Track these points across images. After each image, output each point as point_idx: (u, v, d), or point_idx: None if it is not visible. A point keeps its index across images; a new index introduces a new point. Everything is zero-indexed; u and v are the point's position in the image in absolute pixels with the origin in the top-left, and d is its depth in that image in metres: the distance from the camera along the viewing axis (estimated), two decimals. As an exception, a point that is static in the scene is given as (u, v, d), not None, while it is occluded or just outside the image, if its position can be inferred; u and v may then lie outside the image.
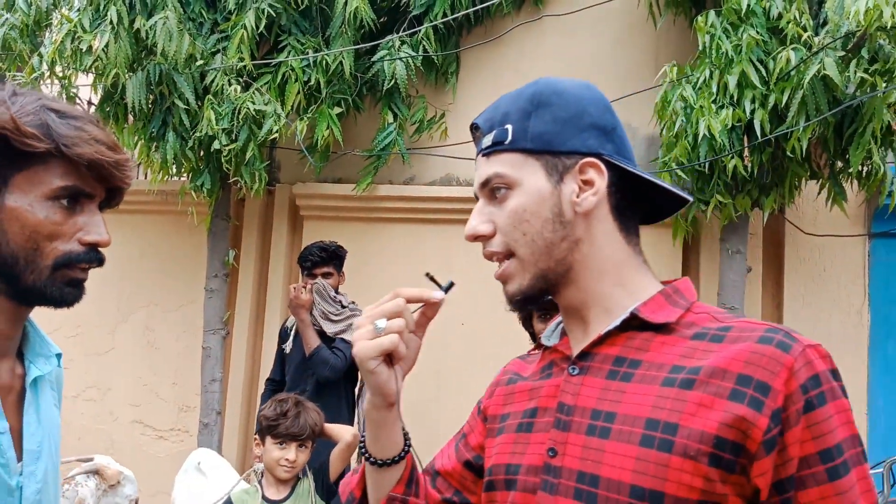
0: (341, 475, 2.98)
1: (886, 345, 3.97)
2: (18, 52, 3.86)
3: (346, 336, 3.42)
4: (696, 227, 3.82)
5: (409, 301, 0.90)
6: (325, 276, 3.51)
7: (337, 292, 3.56)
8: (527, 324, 2.19)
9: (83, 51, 3.52)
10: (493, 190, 0.90)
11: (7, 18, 3.82)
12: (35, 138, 0.90)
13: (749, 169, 3.32)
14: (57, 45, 3.54)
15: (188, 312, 4.45)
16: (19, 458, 0.97)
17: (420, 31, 3.93)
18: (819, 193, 3.63)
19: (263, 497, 2.49)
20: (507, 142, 0.89)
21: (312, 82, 3.78)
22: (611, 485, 0.78)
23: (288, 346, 3.59)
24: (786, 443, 0.75)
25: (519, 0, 4.18)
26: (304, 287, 3.42)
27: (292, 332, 3.59)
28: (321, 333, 3.43)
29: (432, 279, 0.94)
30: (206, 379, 4.16)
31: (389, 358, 0.90)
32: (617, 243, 0.90)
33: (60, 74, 3.79)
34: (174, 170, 4.02)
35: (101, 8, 3.54)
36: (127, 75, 3.55)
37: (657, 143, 3.94)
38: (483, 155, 0.92)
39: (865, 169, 3.35)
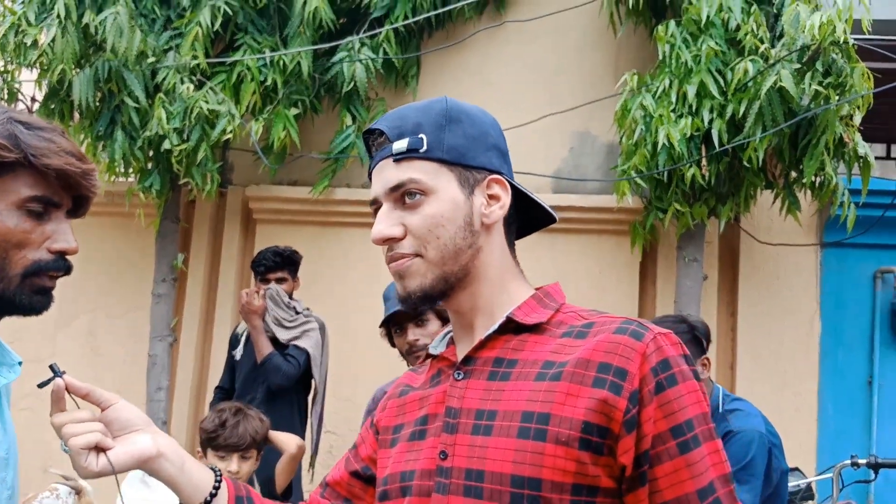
0: (289, 488, 2.89)
1: (836, 353, 4.05)
2: (-45, 44, 3.67)
3: (299, 343, 3.34)
4: (654, 235, 3.85)
5: (60, 410, 0.93)
6: (280, 281, 3.43)
7: (291, 298, 3.47)
8: (390, 337, 2.27)
9: (27, 45, 3.37)
10: (406, 195, 0.93)
11: (-57, 7, 3.63)
12: (4, 148, 0.91)
13: (707, 178, 3.36)
14: (-1, 37, 3.38)
15: (134, 318, 4.28)
16: None
17: (381, 33, 3.88)
18: (773, 203, 3.69)
19: None
20: (421, 150, 0.93)
21: (269, 82, 3.70)
22: (494, 477, 0.84)
23: (238, 353, 3.50)
24: (641, 421, 0.82)
25: (482, 5, 4.16)
26: (257, 292, 3.34)
27: (243, 339, 3.50)
28: (274, 340, 3.34)
29: (52, 369, 0.94)
30: (153, 387, 4.01)
31: (99, 449, 0.93)
32: (503, 253, 0.97)
33: (2, 69, 3.62)
34: (122, 170, 3.87)
35: (48, 1, 3.39)
36: (74, 71, 3.42)
37: (616, 150, 3.95)
38: (394, 160, 0.94)
39: (818, 179, 3.42)
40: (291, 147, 3.94)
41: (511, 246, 0.99)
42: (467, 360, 0.94)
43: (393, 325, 2.18)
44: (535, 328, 0.92)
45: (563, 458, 0.81)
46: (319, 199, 4.16)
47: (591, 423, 0.82)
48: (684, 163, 3.26)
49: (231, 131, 3.56)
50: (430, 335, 2.06)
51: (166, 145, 3.50)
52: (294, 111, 3.82)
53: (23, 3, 3.52)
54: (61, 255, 0.98)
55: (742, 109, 3.16)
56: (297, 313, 3.44)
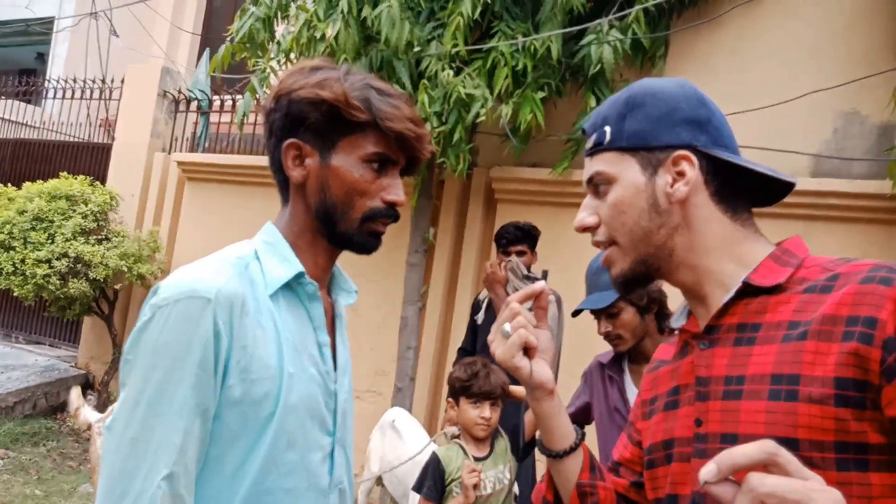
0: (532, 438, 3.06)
1: None
2: (260, 42, 4.32)
3: None
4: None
5: (520, 302, 1.03)
6: (519, 254, 3.59)
7: (529, 271, 3.63)
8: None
9: (317, 39, 3.86)
10: (596, 186, 0.99)
11: (253, 11, 4.28)
12: (359, 110, 1.06)
13: None
14: (295, 33, 3.92)
15: (388, 284, 4.75)
16: (334, 370, 1.15)
17: (630, 14, 3.88)
18: None
19: (467, 455, 2.60)
20: (605, 142, 0.97)
21: (520, 67, 3.87)
22: (748, 440, 0.79)
23: (480, 318, 3.72)
24: None
25: (739, -21, 3.98)
26: (500, 264, 3.53)
27: (484, 304, 3.73)
28: None
29: (529, 277, 1.03)
30: (403, 346, 4.43)
31: (527, 352, 1.03)
32: (721, 223, 0.95)
33: (295, 61, 4.18)
34: (389, 150, 4.28)
35: (333, -1, 3.86)
36: (353, 61, 3.84)
37: (891, 132, 3.59)
38: (587, 155, 1.01)
39: None
40: (536, 129, 4.10)
41: (735, 213, 0.96)
42: (710, 328, 0.94)
43: (591, 313, 2.15)
44: (775, 289, 0.90)
45: (818, 416, 0.79)
46: (558, 180, 4.29)
47: (844, 378, 0.78)
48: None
49: (484, 114, 3.79)
50: (622, 325, 2.08)
51: (427, 127, 3.81)
52: (540, 94, 3.96)
53: (314, 2, 4.03)
54: (392, 205, 1.11)
55: None
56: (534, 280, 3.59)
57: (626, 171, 0.95)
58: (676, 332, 1.05)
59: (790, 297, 0.88)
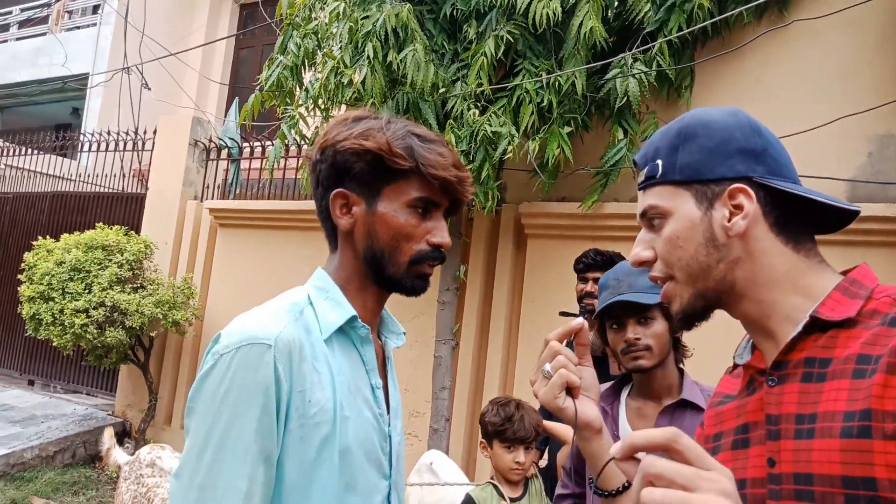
0: None
1: None
2: (289, 89, 4.41)
3: None
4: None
5: (560, 340, 1.02)
6: (596, 280, 3.48)
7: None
8: (603, 332, 1.92)
9: (344, 84, 3.93)
10: (651, 220, 0.97)
11: (281, 60, 4.39)
12: (402, 158, 1.09)
13: None
14: (322, 79, 3.99)
15: (421, 322, 4.74)
16: (387, 412, 1.17)
17: (653, 46, 3.89)
18: None
19: (502, 495, 2.56)
20: (658, 175, 0.95)
21: (545, 103, 3.89)
22: (824, 480, 0.81)
23: None
24: None
25: (762, 7, 3.98)
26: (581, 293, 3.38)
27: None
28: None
29: (566, 314, 1.02)
30: (437, 386, 4.39)
31: (570, 392, 1.01)
32: (783, 255, 0.92)
33: (323, 107, 4.26)
34: (417, 190, 4.32)
35: (360, 44, 3.94)
36: (380, 105, 3.90)
37: (928, 153, 3.52)
38: (640, 189, 0.99)
39: None
40: (564, 164, 4.11)
41: (798, 243, 0.93)
42: (777, 365, 0.91)
43: (609, 319, 1.86)
44: (846, 323, 0.87)
45: (894, 453, 0.76)
46: (587, 214, 4.27)
47: None
48: None
49: (511, 151, 3.81)
50: (654, 336, 1.79)
51: (459, 167, 3.84)
52: (567, 129, 3.97)
53: (340, 48, 4.12)
54: (438, 247, 1.13)
55: None
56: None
57: (681, 206, 0.93)
58: (741, 367, 1.01)
59: (860, 332, 0.85)
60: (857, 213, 0.94)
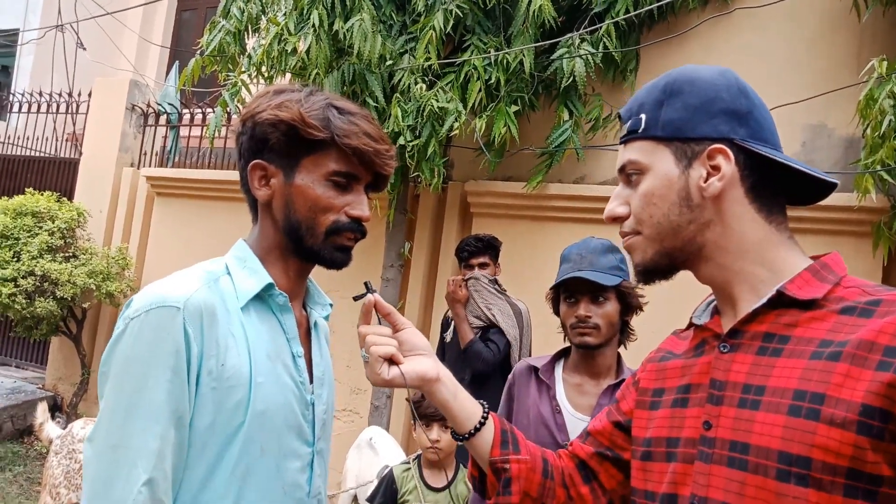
0: None
1: None
2: (231, 55, 4.26)
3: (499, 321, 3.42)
4: (901, 237, 3.50)
5: (366, 323, 1.10)
6: (482, 266, 3.51)
7: (497, 283, 3.54)
8: (556, 303, 1.98)
9: (288, 52, 3.82)
10: (629, 175, 0.96)
11: (223, 24, 4.23)
12: (316, 129, 1.09)
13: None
14: (265, 47, 3.87)
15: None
16: (311, 382, 1.17)
17: (601, 28, 3.90)
18: None
19: (421, 478, 2.46)
20: (640, 130, 0.94)
21: (493, 81, 3.87)
22: (760, 451, 0.82)
23: (448, 336, 3.64)
24: None
25: (707, -5, 4.03)
26: (460, 283, 3.46)
27: (452, 323, 3.67)
28: (492, 325, 3.45)
29: (358, 298, 1.11)
30: (379, 363, 4.36)
31: (391, 362, 1.06)
32: (754, 223, 0.92)
33: (266, 75, 4.14)
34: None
35: (305, 12, 3.83)
36: (325, 75, 3.81)
37: (857, 144, 3.65)
38: (621, 142, 0.98)
39: None
40: (510, 143, 4.10)
41: (770, 213, 0.93)
42: (734, 332, 0.91)
43: (565, 292, 1.91)
44: (811, 304, 0.87)
45: (837, 440, 0.77)
46: (533, 194, 4.29)
47: (871, 406, 0.76)
48: (945, 156, 2.94)
49: (457, 128, 3.78)
50: (605, 316, 1.84)
51: (401, 141, 3.80)
52: (514, 108, 3.96)
53: (284, 14, 3.99)
54: (356, 220, 1.13)
55: None
56: (501, 293, 3.53)
57: (660, 162, 0.93)
58: (692, 329, 1.02)
59: (825, 315, 0.86)
60: (834, 185, 0.94)
